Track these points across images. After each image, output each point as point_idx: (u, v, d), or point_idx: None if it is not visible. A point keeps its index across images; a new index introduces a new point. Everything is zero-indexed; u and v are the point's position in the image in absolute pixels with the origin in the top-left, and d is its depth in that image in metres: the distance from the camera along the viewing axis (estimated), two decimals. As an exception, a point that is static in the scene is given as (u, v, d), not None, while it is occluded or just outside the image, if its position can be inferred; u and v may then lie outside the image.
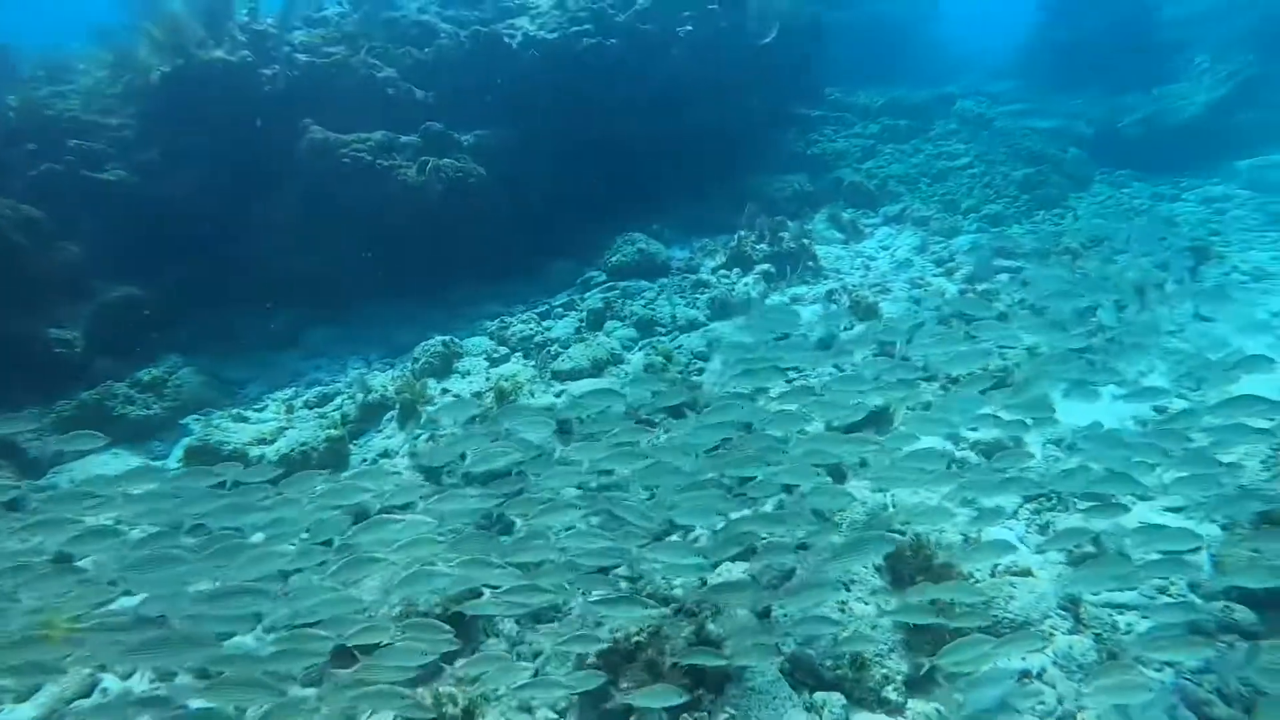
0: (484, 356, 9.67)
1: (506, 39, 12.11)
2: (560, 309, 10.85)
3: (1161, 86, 16.80)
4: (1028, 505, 5.67)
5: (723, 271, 11.13)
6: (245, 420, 8.87)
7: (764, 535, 4.63)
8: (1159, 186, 14.39)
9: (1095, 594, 4.90)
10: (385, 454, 7.92)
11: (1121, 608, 4.80)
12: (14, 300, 9.07)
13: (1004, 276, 9.81)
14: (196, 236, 10.39)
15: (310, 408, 9.17)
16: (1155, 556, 4.98)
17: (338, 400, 9.28)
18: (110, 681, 4.92)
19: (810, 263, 11.19)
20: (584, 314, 10.35)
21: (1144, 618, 4.73)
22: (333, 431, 8.29)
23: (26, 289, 9.25)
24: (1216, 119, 15.72)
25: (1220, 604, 4.56)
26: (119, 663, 3.82)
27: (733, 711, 4.14)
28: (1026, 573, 4.99)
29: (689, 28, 12.82)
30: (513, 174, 11.78)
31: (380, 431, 8.45)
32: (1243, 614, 4.52)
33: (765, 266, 10.94)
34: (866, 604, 4.72)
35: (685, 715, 4.09)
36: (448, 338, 9.71)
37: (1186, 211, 13.02)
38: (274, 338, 10.84)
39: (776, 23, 13.84)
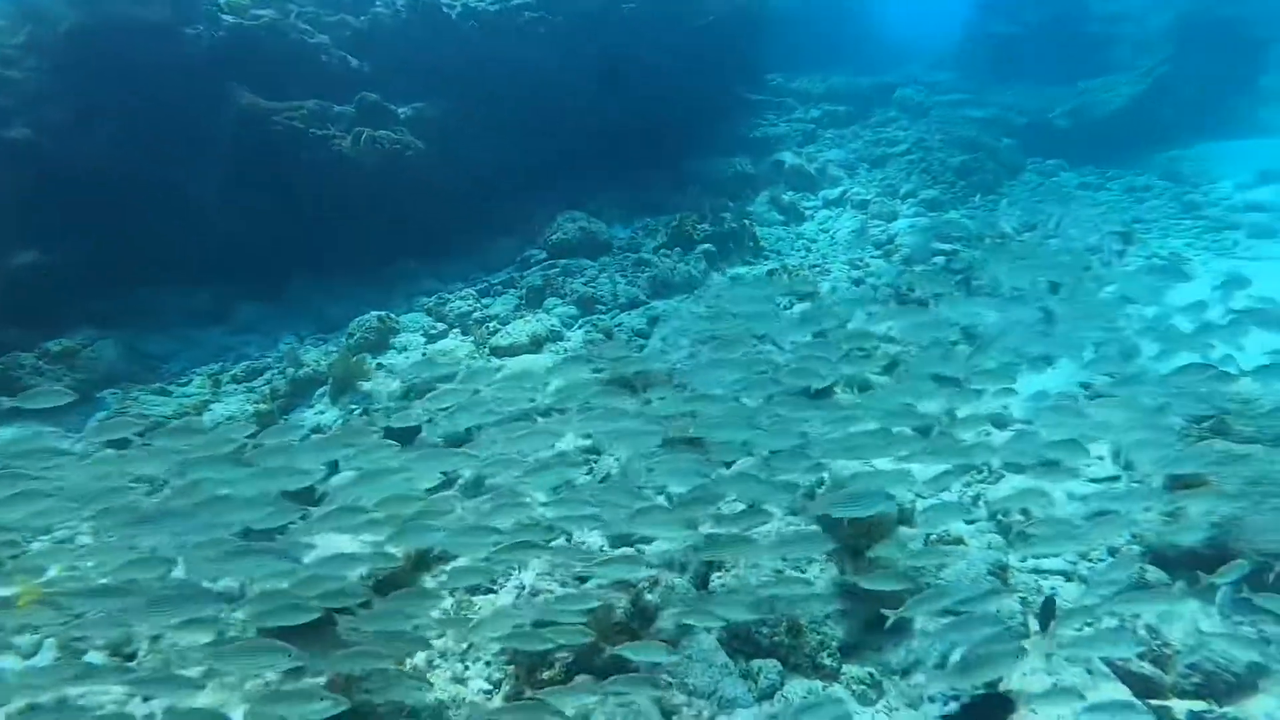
0: (421, 333, 9.47)
1: (445, 9, 11.83)
2: (500, 286, 10.68)
3: (1088, 80, 17.30)
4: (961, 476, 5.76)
5: (664, 251, 11.08)
6: (167, 394, 8.54)
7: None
8: (1086, 176, 14.81)
9: (1022, 560, 5.03)
10: (317, 429, 7.69)
11: (1046, 573, 4.92)
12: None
13: (940, 259, 9.98)
14: (112, 203, 9.85)
15: (238, 382, 8.87)
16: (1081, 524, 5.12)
17: (267, 375, 8.99)
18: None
19: (751, 243, 11.23)
20: (524, 291, 10.22)
21: (1068, 581, 4.86)
22: (261, 406, 8.05)
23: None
24: (1138, 112, 16.25)
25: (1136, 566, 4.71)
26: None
27: (669, 679, 4.12)
28: (958, 541, 5.07)
29: (632, 5, 12.69)
30: (451, 149, 11.53)
31: (312, 407, 8.20)
32: (1154, 574, 4.68)
33: (706, 246, 10.93)
34: (804, 572, 4.74)
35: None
36: (384, 313, 9.48)
37: (1110, 199, 13.45)
38: (200, 312, 10.44)
39: (717, 4, 13.79)
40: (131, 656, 4.51)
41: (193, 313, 10.36)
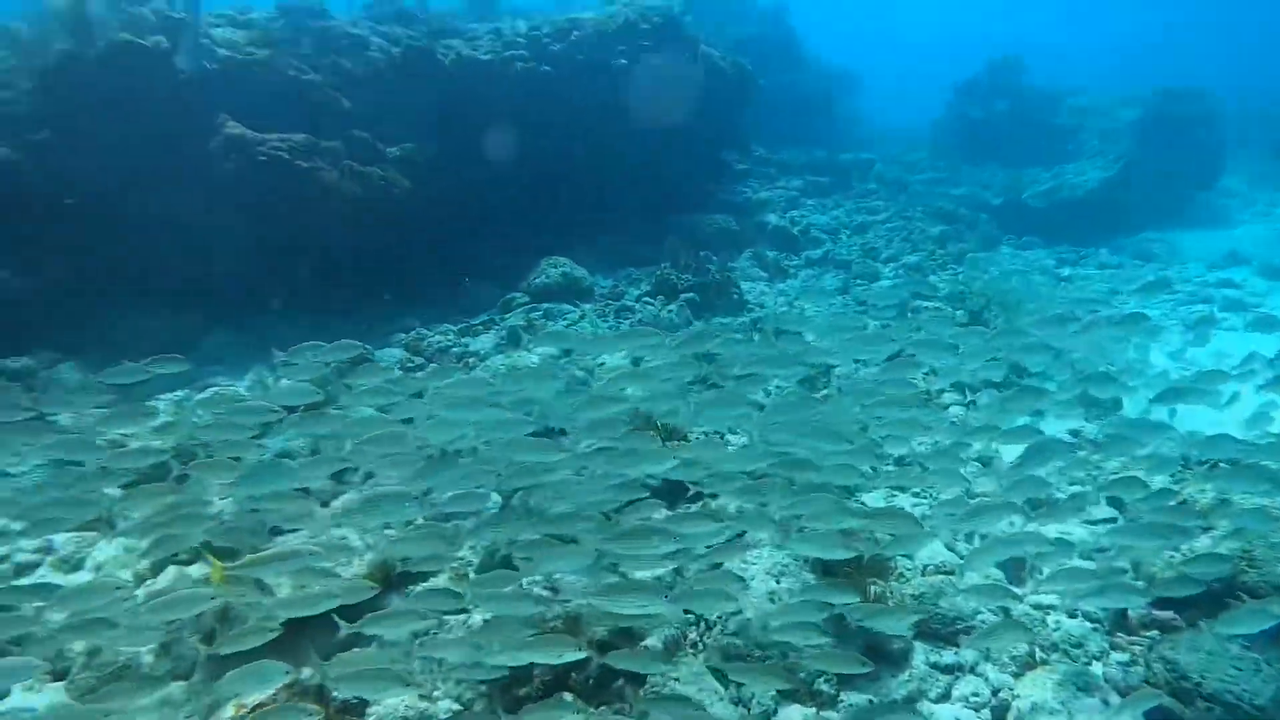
0: (397, 366, 9.23)
1: (440, 55, 11.97)
2: (480, 326, 10.52)
3: (1060, 165, 17.89)
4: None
5: (647, 299, 11.03)
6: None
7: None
8: (1061, 253, 15.12)
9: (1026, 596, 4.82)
10: (285, 454, 7.35)
11: (1049, 609, 4.72)
12: None
13: (926, 313, 9.99)
14: (90, 227, 9.64)
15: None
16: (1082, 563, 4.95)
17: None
18: None
19: (734, 295, 11.20)
20: (505, 331, 10.05)
21: (1070, 617, 4.65)
22: (226, 431, 7.69)
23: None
24: (1108, 197, 16.80)
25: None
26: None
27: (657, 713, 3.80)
28: (953, 573, 4.87)
29: (622, 62, 12.95)
30: (438, 191, 11.50)
31: (282, 435, 7.87)
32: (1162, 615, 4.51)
33: (690, 295, 10.89)
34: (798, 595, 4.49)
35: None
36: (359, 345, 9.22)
37: (1086, 273, 13.72)
38: (168, 341, 10.12)
39: (704, 68, 14.13)
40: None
41: (165, 341, 10.03)
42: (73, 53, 9.64)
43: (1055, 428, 6.93)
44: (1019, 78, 21.72)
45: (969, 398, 7.86)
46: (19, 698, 3.94)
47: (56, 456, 4.64)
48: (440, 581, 4.77)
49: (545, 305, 10.68)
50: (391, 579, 4.88)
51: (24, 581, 4.77)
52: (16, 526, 4.36)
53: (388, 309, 11.00)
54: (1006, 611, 4.57)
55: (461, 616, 4.64)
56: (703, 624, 4.35)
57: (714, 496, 5.12)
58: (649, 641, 4.20)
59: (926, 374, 7.42)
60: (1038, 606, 4.72)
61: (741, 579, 4.32)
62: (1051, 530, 5.23)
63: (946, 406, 7.63)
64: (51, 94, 9.77)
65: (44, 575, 4.87)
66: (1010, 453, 6.52)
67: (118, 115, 9.79)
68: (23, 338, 9.16)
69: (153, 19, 10.03)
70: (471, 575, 4.81)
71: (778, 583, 4.79)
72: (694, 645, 4.28)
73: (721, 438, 6.51)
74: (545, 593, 4.45)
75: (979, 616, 4.51)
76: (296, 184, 10.18)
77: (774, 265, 12.82)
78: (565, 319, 10.34)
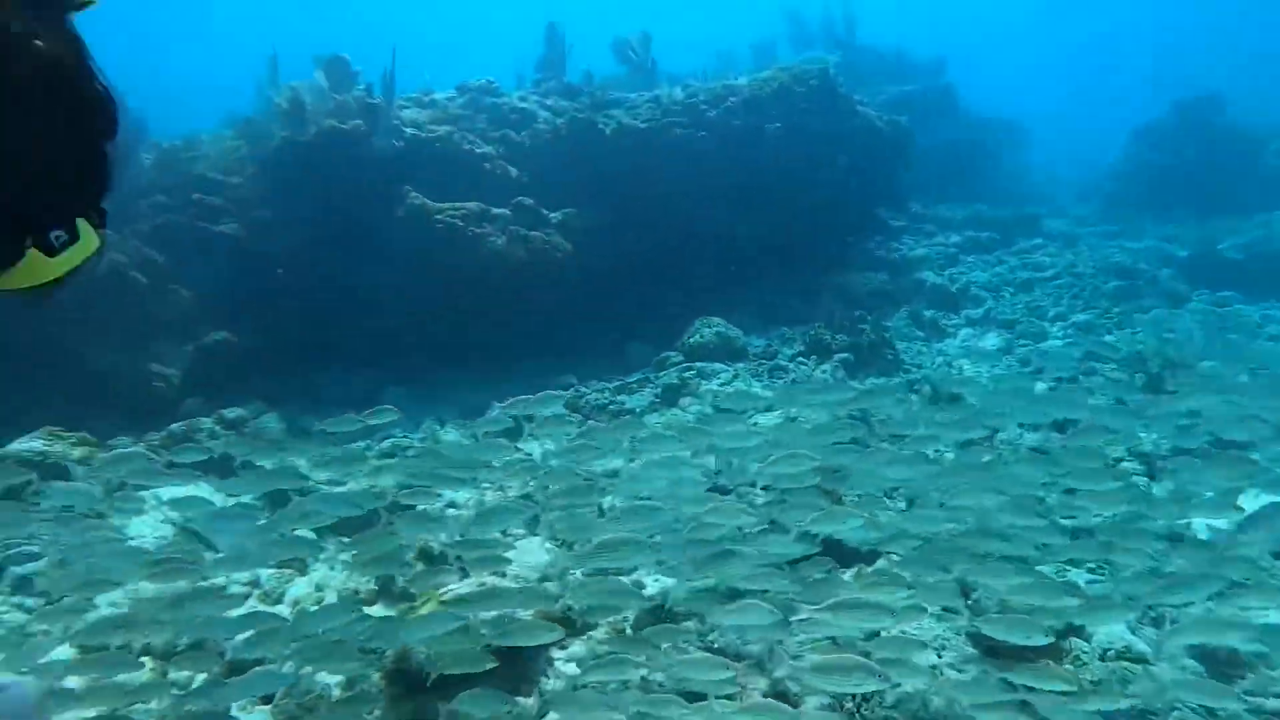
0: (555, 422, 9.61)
1: (600, 126, 12.61)
2: (634, 384, 10.80)
3: (1266, 213, 16.37)
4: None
5: (800, 358, 10.99)
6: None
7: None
8: (1270, 310, 13.76)
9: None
10: (451, 504, 7.81)
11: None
12: (125, 333, 9.54)
13: (1099, 379, 9.43)
14: (296, 293, 10.84)
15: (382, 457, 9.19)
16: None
17: (409, 452, 9.28)
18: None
19: (890, 355, 10.98)
20: (659, 389, 10.28)
21: (1281, 717, 4.21)
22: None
23: (138, 324, 9.75)
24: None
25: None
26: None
27: None
28: (1142, 660, 4.53)
29: (777, 125, 13.16)
30: (595, 254, 12.02)
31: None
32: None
33: (844, 355, 10.76)
34: (961, 671, 4.32)
35: None
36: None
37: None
38: (354, 395, 11.03)
39: (860, 127, 14.12)
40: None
41: (348, 395, 10.96)
42: (289, 138, 10.94)
43: (1256, 504, 6.33)
44: (1214, 118, 20.27)
45: (1152, 466, 7.31)
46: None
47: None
48: (599, 634, 4.91)
49: (698, 364, 10.83)
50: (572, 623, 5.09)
51: (262, 609, 5.30)
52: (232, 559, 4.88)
53: (546, 364, 11.54)
54: (1211, 712, 4.19)
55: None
56: (859, 696, 4.25)
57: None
58: (806, 708, 4.15)
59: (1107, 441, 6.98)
60: (1258, 711, 4.29)
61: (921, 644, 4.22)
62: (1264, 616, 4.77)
63: (1127, 475, 7.12)
64: (270, 176, 11.11)
65: (252, 606, 5.39)
66: (1206, 528, 6.05)
67: (322, 192, 10.99)
68: (237, 388, 10.33)
69: (354, 105, 11.22)
70: (628, 630, 4.93)
71: (939, 656, 4.62)
72: (850, 716, 4.19)
73: (882, 499, 6.36)
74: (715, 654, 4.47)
75: (1174, 715, 4.16)
76: (468, 250, 10.95)
77: (931, 324, 12.47)
78: (718, 378, 10.46)
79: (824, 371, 10.48)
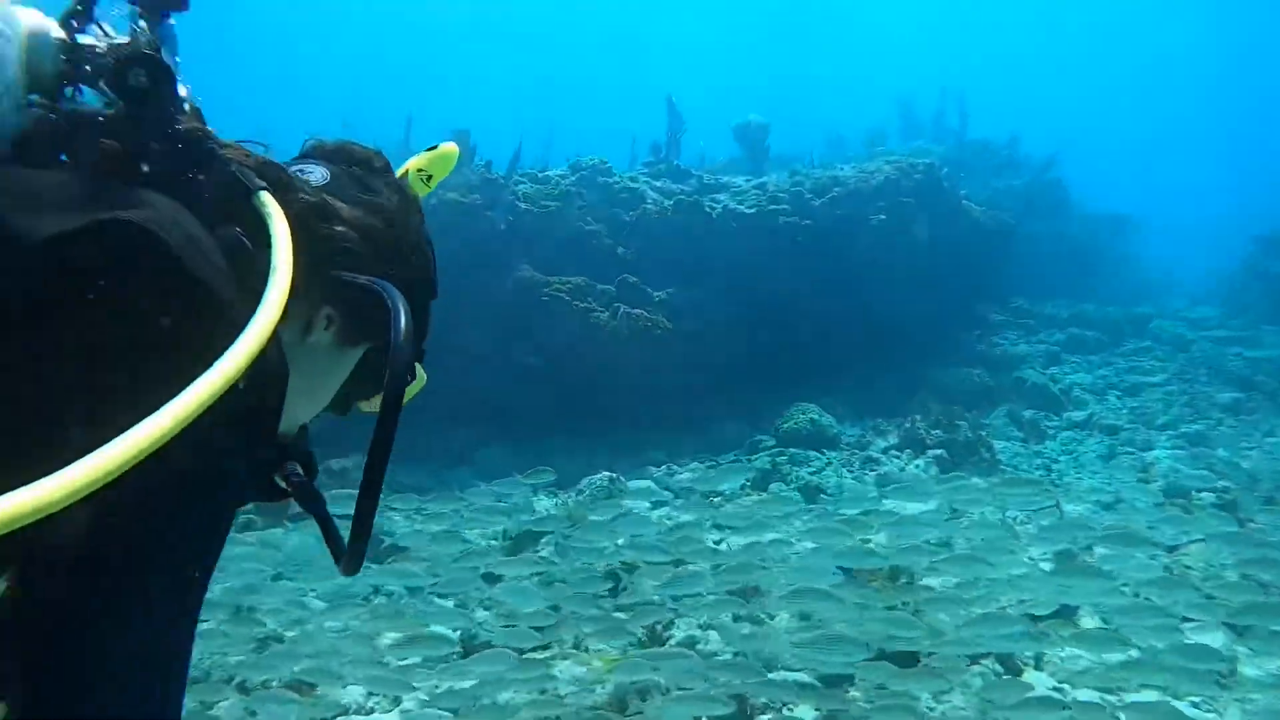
0: (647, 497, 9.80)
1: (708, 209, 13.03)
2: (726, 465, 10.93)
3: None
4: None
5: (894, 451, 10.93)
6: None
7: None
8: None
9: None
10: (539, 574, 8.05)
11: None
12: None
13: (1209, 495, 9.07)
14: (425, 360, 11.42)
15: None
16: None
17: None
18: None
19: (986, 454, 10.80)
20: (751, 473, 10.38)
21: None
22: (493, 542, 8.58)
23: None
24: None
25: None
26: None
27: None
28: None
29: (882, 217, 13.33)
30: (695, 333, 12.30)
31: (537, 551, 8.63)
32: None
33: (938, 451, 10.66)
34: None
35: None
36: (614, 474, 9.96)
37: None
38: (451, 453, 11.50)
39: (963, 222, 14.14)
40: None
41: (446, 452, 11.43)
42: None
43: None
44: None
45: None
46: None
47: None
48: None
49: (791, 450, 10.90)
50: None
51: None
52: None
53: (639, 438, 11.77)
54: None
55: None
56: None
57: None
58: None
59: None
60: None
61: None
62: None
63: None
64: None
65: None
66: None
67: (439, 260, 11.63)
68: (341, 443, 10.87)
69: (476, 179, 11.93)
70: None
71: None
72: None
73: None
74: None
75: None
76: (572, 321, 11.41)
77: (1030, 425, 12.21)
78: (810, 466, 10.49)
79: (916, 466, 10.39)
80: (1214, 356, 15.47)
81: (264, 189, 1.15)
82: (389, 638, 5.98)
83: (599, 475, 9.88)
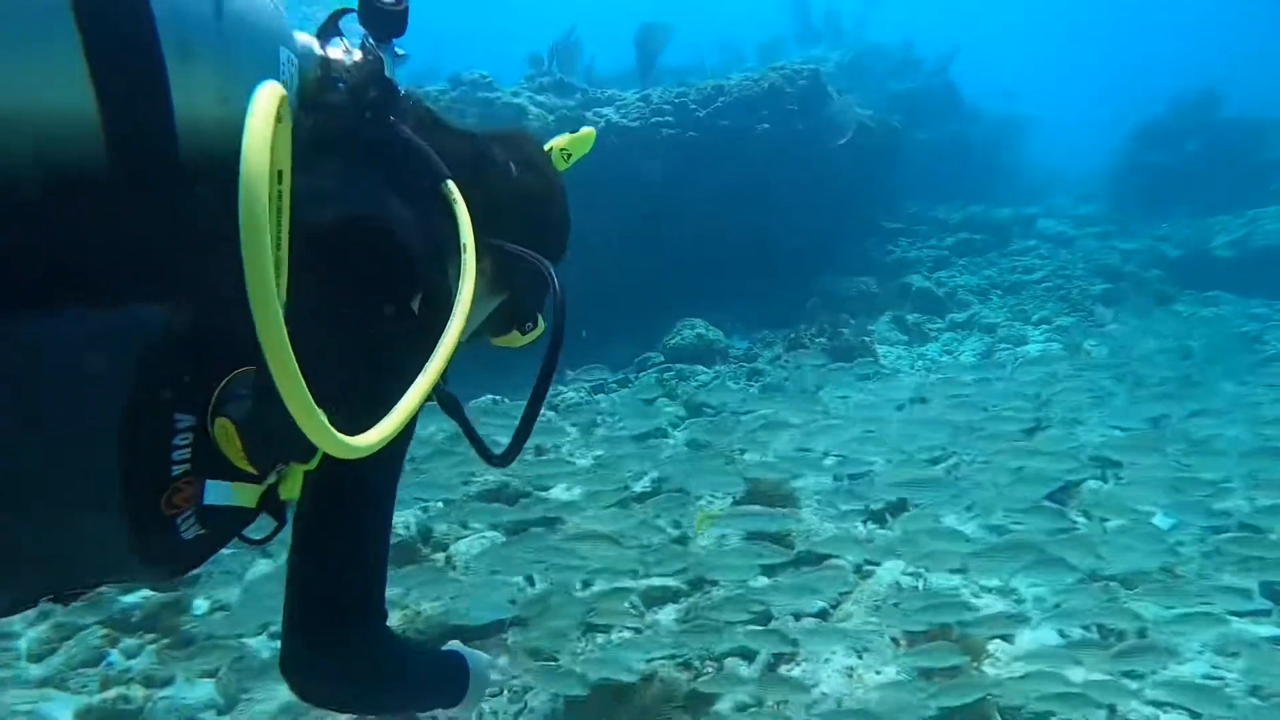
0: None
1: (591, 123, 12.67)
2: (614, 385, 10.95)
3: (1257, 209, 16.26)
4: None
5: (780, 362, 11.10)
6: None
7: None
8: (1254, 308, 13.70)
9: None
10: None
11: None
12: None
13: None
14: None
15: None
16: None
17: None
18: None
19: (870, 359, 11.06)
20: (637, 390, 10.41)
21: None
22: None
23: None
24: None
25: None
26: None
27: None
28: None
29: (766, 126, 13.21)
30: (585, 255, 12.08)
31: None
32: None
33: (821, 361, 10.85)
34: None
35: None
36: (499, 397, 9.86)
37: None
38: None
39: (851, 129, 14.13)
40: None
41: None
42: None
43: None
44: (1213, 113, 20.10)
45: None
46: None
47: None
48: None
49: (678, 366, 10.97)
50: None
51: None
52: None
53: (526, 363, 11.66)
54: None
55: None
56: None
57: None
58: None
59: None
60: None
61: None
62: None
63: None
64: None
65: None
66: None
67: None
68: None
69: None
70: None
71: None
72: None
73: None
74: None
75: None
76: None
77: (915, 329, 12.53)
78: (697, 379, 10.59)
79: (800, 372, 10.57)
80: (1093, 251, 16.04)
81: (449, 178, 1.50)
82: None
83: (483, 399, 9.78)
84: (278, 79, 1.19)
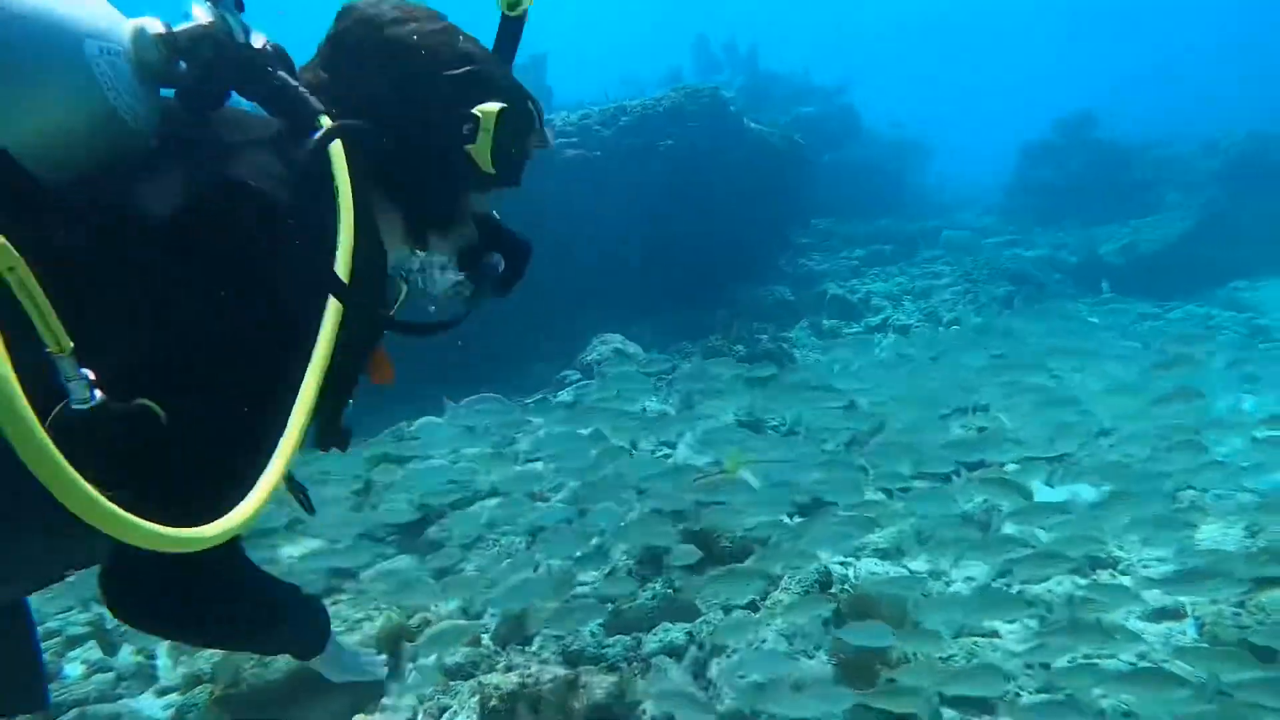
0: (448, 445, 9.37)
1: (494, 148, 12.50)
2: (532, 405, 10.63)
3: (1138, 219, 17.24)
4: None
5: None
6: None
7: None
8: (1143, 308, 14.40)
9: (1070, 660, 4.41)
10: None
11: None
12: None
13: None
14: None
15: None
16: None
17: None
18: None
19: (789, 365, 11.03)
20: (555, 409, 10.13)
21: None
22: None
23: None
24: (1191, 247, 16.01)
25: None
26: None
27: None
28: (993, 634, 4.51)
29: (669, 142, 13.26)
30: (494, 276, 11.83)
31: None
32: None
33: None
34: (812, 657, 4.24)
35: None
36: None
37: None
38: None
39: (754, 145, 14.32)
40: None
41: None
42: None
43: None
44: (1090, 133, 21.28)
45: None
46: None
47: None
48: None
49: (595, 381, 10.71)
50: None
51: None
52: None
53: (451, 389, 11.23)
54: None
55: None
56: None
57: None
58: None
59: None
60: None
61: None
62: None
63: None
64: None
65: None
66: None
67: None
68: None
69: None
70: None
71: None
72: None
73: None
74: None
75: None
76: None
77: (831, 334, 12.60)
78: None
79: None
80: (994, 258, 16.58)
81: (322, 112, 1.50)
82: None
83: (397, 428, 9.36)
84: (88, 74, 1.22)
